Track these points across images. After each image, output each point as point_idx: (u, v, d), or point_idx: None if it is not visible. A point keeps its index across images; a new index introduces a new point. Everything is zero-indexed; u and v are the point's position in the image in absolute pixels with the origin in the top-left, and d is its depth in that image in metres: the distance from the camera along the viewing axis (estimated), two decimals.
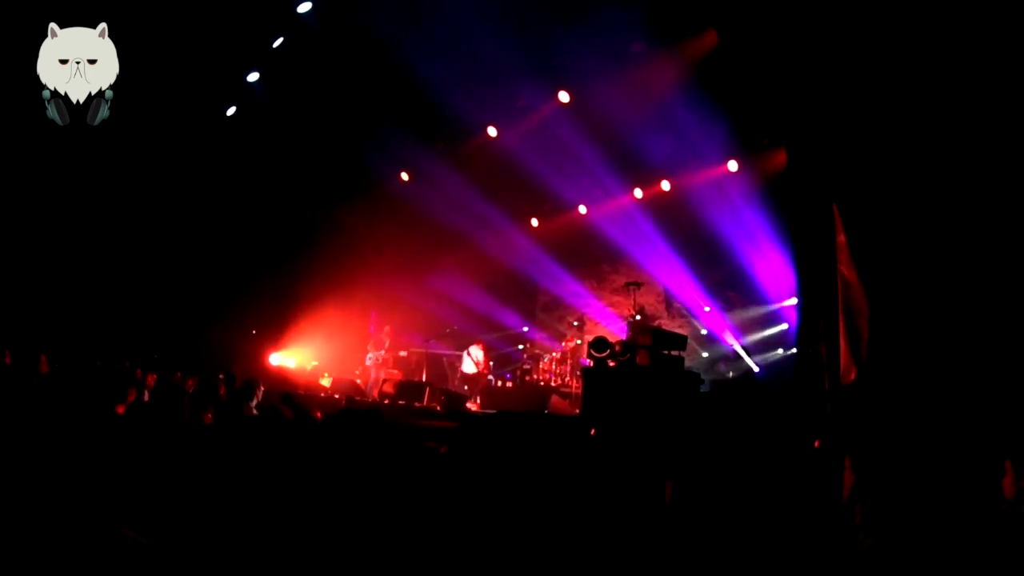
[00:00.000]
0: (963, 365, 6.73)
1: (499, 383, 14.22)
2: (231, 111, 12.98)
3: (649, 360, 9.74)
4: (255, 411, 6.67)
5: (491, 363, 14.64)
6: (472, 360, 14.34)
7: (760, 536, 2.52)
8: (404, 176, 15.80)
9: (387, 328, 15.22)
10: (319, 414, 7.13)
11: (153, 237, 13.27)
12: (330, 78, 12.61)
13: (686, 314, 15.14)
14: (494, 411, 11.63)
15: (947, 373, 6.79)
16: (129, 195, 12.65)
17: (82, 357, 9.18)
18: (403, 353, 15.47)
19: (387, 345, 15.04)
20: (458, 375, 14.93)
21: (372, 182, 15.69)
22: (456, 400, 12.02)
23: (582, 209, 15.62)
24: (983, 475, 3.66)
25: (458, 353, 15.29)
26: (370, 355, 14.95)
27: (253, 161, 13.59)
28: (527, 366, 14.09)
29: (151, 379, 8.04)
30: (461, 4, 11.01)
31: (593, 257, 16.57)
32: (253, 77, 12.52)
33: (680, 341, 10.27)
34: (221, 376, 8.43)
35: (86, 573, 1.94)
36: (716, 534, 2.47)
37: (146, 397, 6.02)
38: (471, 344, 14.55)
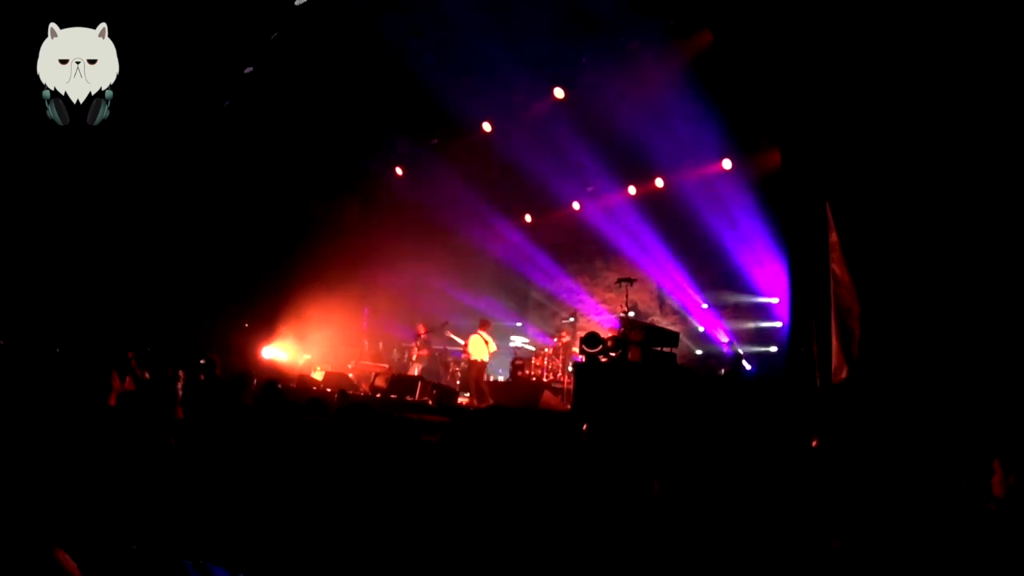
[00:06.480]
0: (953, 363, 6.79)
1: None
2: (226, 105, 12.92)
3: (641, 356, 9.74)
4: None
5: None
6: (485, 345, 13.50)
7: (747, 532, 2.53)
8: (398, 171, 15.80)
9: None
10: None
11: (148, 232, 13.22)
12: (325, 73, 12.57)
13: (679, 311, 15.16)
14: (484, 407, 11.62)
15: (937, 371, 6.85)
16: (127, 193, 12.60)
17: (49, 347, 9.11)
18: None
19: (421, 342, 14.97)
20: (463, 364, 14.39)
21: (366, 177, 15.70)
22: (448, 395, 12.02)
23: (576, 205, 15.64)
24: (973, 473, 3.68)
25: (451, 348, 15.26)
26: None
27: (247, 155, 13.55)
28: (519, 362, 14.03)
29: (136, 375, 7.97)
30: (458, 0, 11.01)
31: (587, 253, 16.59)
32: (248, 71, 12.46)
33: (672, 338, 10.25)
34: (202, 362, 8.32)
35: None
36: (703, 528, 2.48)
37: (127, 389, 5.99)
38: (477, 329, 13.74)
